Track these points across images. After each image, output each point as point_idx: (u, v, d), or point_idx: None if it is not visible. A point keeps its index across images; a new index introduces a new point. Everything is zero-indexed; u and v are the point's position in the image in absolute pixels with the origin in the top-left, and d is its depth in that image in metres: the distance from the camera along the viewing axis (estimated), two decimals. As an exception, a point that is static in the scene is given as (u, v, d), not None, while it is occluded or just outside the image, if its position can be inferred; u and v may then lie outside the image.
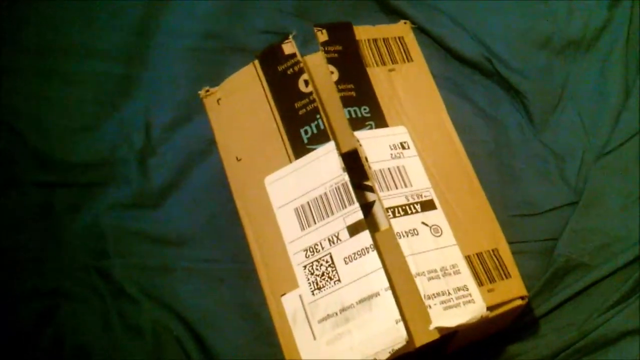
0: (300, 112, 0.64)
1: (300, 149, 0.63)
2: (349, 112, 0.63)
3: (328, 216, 0.60)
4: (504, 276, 0.60)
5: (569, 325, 0.70)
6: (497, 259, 0.61)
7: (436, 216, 0.61)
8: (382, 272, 0.57)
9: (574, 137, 0.79)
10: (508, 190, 0.78)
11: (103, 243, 0.78)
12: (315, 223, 0.61)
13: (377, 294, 0.56)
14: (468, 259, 0.60)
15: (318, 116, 0.63)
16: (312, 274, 0.59)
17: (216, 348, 0.73)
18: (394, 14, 0.86)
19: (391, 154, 0.63)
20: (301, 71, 0.64)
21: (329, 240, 0.60)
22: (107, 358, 0.73)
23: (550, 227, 0.76)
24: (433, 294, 0.56)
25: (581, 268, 0.73)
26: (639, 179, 0.76)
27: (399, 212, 0.60)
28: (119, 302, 0.75)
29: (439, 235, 0.60)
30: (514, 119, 0.82)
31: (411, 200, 0.61)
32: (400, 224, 0.59)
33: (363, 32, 0.69)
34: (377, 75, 0.67)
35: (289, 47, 0.66)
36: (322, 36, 0.66)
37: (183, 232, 0.78)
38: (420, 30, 0.85)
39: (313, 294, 0.59)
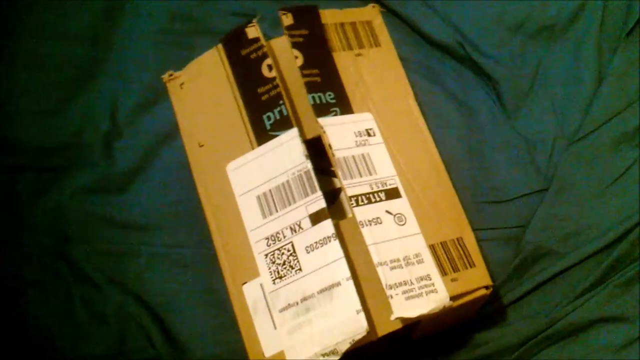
0: (263, 98, 0.63)
1: (262, 135, 0.62)
2: (314, 98, 0.62)
3: (290, 204, 0.59)
4: (468, 265, 0.60)
5: (537, 313, 0.70)
6: (462, 248, 0.61)
7: (401, 205, 0.61)
8: (343, 262, 0.56)
9: (545, 124, 0.79)
10: (478, 177, 0.77)
11: (67, 228, 0.77)
12: (277, 211, 0.60)
13: (338, 284, 0.56)
14: (432, 248, 0.59)
15: (281, 102, 0.62)
16: (273, 262, 0.58)
17: (180, 334, 0.72)
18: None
19: (356, 141, 0.62)
20: (265, 56, 0.63)
21: (290, 228, 0.59)
22: (70, 345, 0.72)
23: (520, 214, 0.75)
24: (395, 284, 0.56)
25: (550, 256, 0.72)
26: (609, 166, 0.75)
27: (362, 201, 0.59)
28: (83, 288, 0.74)
29: (403, 224, 0.59)
30: (486, 105, 0.81)
31: (375, 189, 0.60)
32: (363, 213, 0.58)
33: (330, 16, 0.68)
34: (344, 60, 0.66)
35: (252, 31, 0.64)
36: (287, 20, 0.65)
37: (148, 217, 0.77)
38: (392, 14, 0.84)
39: (274, 283, 0.58)
